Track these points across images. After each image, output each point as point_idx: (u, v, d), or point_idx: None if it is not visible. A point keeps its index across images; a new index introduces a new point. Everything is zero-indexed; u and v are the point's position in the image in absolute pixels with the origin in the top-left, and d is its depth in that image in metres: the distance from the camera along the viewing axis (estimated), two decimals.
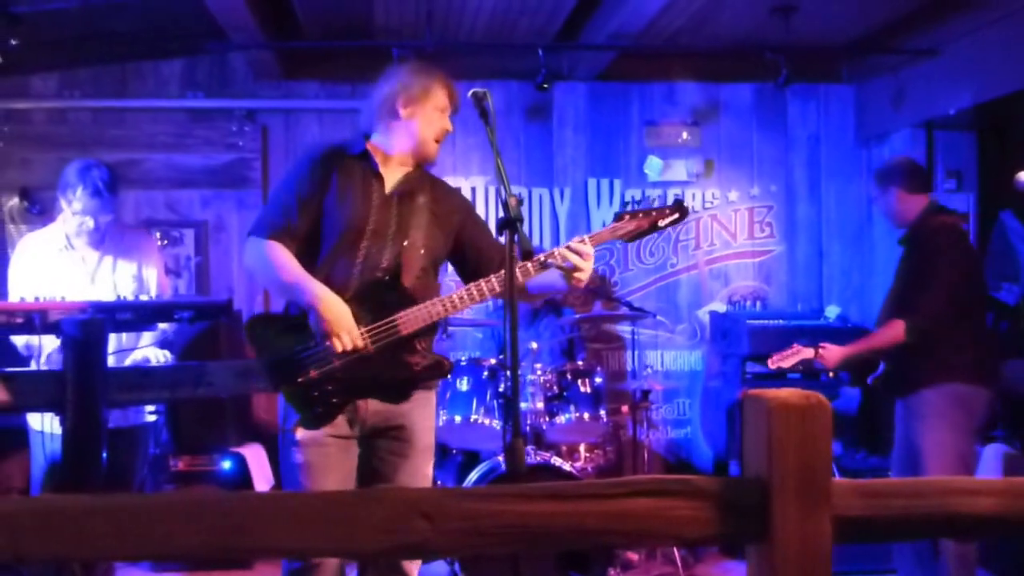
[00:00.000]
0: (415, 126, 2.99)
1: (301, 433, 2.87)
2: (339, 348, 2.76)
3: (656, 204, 3.10)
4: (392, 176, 3.00)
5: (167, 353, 3.81)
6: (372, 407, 2.91)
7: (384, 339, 2.82)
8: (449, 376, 3.17)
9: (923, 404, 3.93)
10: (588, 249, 2.78)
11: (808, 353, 4.03)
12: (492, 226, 3.24)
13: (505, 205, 2.46)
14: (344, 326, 2.76)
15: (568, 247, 2.79)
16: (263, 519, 1.53)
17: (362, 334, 2.80)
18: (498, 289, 2.83)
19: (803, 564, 1.53)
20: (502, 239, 2.50)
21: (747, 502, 1.56)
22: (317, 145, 3.14)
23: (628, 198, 6.25)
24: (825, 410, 1.54)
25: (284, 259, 2.87)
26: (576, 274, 2.79)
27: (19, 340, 3.64)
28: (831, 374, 4.45)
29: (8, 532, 1.49)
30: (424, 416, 3.01)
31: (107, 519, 1.52)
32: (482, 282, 2.85)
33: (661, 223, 2.93)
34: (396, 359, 2.87)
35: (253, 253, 2.93)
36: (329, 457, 2.89)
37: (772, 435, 1.53)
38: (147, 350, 3.70)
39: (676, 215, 2.95)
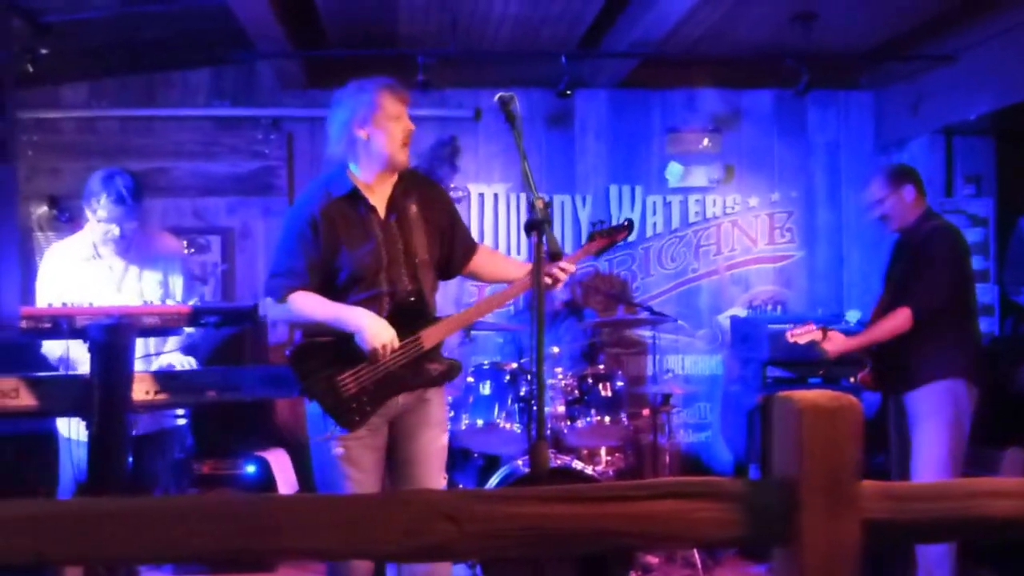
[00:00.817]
0: (378, 142, 3.12)
1: (337, 437, 3.12)
2: (386, 356, 3.04)
3: (613, 224, 3.55)
4: (380, 199, 3.19)
5: (191, 359, 3.81)
6: (400, 400, 3.19)
7: (413, 354, 3.12)
8: (457, 376, 3.37)
9: (916, 402, 3.97)
10: (572, 268, 3.23)
11: (817, 336, 4.07)
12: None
13: (532, 206, 2.56)
14: (389, 336, 3.04)
15: (559, 267, 3.14)
16: (286, 521, 1.54)
17: (396, 351, 3.09)
18: (510, 296, 3.34)
19: (830, 567, 1.53)
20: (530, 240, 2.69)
21: (773, 504, 1.55)
22: (304, 201, 3.21)
23: (649, 204, 6.29)
24: (855, 412, 1.54)
25: (314, 303, 3.12)
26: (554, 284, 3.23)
27: (53, 354, 3.66)
28: (852, 379, 4.46)
29: (32, 535, 1.50)
30: (436, 397, 3.30)
31: (130, 521, 1.53)
32: (493, 298, 3.28)
33: (618, 239, 3.49)
34: (418, 368, 3.17)
35: (279, 312, 3.20)
36: (364, 444, 3.14)
37: (802, 436, 1.52)
38: (172, 355, 3.71)
39: (626, 232, 3.53)
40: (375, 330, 3.02)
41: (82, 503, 1.69)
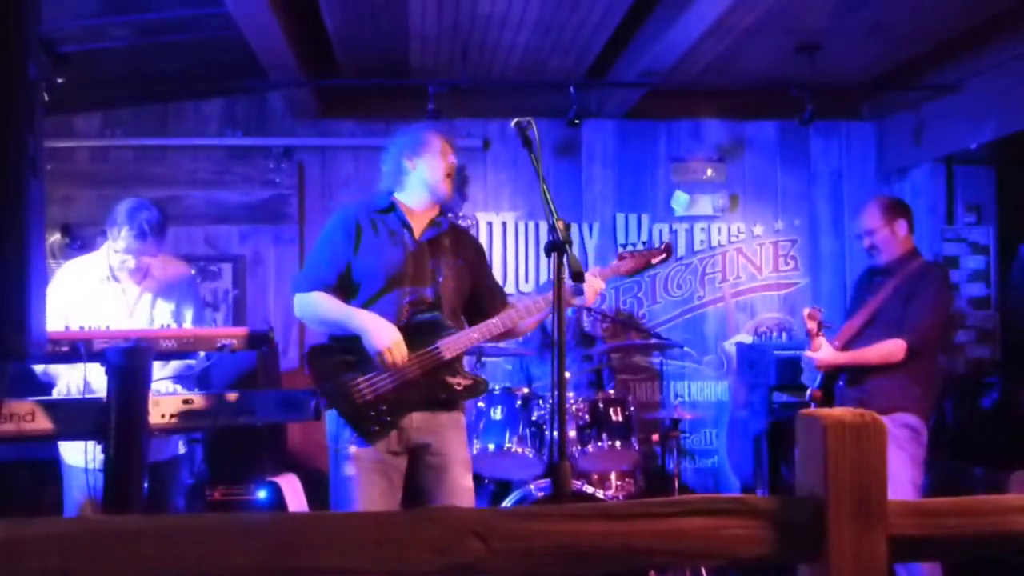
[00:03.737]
0: (424, 172, 3.38)
1: (354, 449, 3.21)
2: (389, 360, 3.12)
3: (647, 246, 3.50)
4: (419, 224, 3.39)
5: (179, 388, 3.67)
6: (415, 422, 3.26)
7: (430, 363, 3.21)
8: (484, 393, 3.48)
9: None
10: (600, 284, 3.28)
11: (813, 328, 4.08)
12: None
13: (553, 228, 2.61)
14: (393, 340, 3.14)
15: (588, 282, 3.19)
16: (314, 539, 1.52)
17: (411, 359, 3.18)
18: (534, 310, 3.33)
19: None
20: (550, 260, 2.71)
21: (801, 521, 1.54)
22: (346, 207, 3.52)
23: (656, 232, 6.36)
24: (880, 429, 1.54)
25: (331, 302, 3.29)
26: (578, 299, 3.27)
27: (39, 367, 3.59)
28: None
29: (59, 553, 1.47)
30: (456, 433, 3.37)
31: (157, 540, 1.51)
32: (512, 311, 3.32)
33: (653, 261, 3.47)
34: (439, 381, 3.26)
35: (301, 305, 3.36)
36: (377, 472, 3.23)
37: (828, 453, 1.52)
38: (160, 384, 3.55)
39: (664, 255, 3.50)
40: (380, 332, 3.15)
41: (111, 521, 1.63)
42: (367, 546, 1.52)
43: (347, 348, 3.23)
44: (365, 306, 3.28)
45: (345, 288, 3.33)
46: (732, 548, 1.56)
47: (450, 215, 3.54)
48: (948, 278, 4.19)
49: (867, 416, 1.56)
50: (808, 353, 4.14)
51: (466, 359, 3.53)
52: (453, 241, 3.45)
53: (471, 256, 3.51)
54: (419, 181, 3.39)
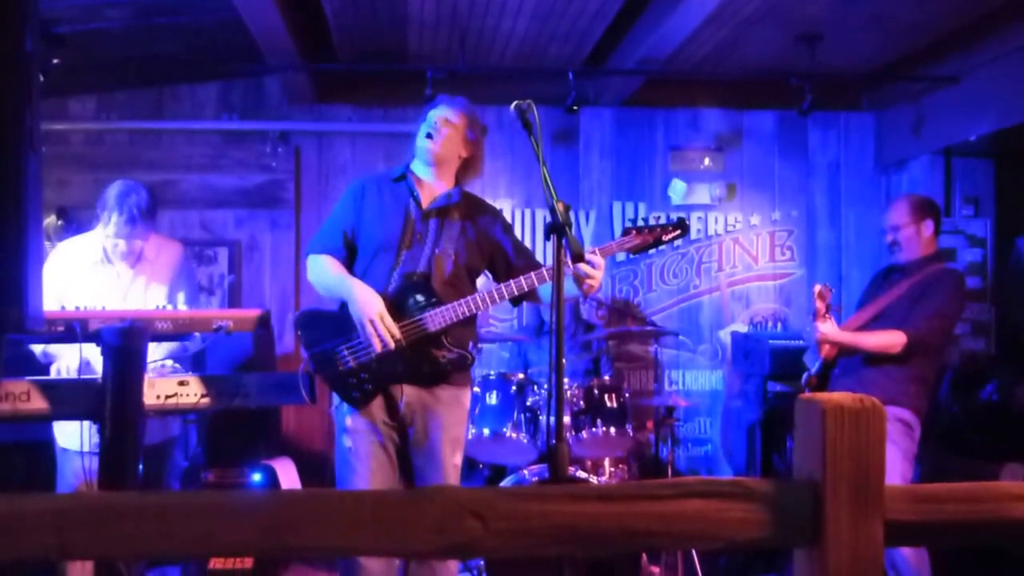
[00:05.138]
0: (415, 139, 3.43)
1: (350, 420, 3.26)
2: (371, 332, 3.12)
3: (662, 222, 3.35)
4: (429, 195, 3.39)
5: (177, 366, 3.70)
6: (408, 393, 3.27)
7: (414, 334, 3.19)
8: (472, 365, 3.38)
9: None
10: (599, 260, 3.05)
11: (821, 307, 4.05)
12: (520, 240, 3.56)
13: (552, 210, 2.59)
14: (376, 311, 3.15)
15: (588, 260, 3.00)
16: (312, 517, 1.52)
17: (396, 329, 3.17)
18: (515, 292, 3.21)
19: (855, 568, 1.52)
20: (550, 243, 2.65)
21: (799, 505, 1.54)
22: (363, 176, 3.56)
23: (652, 221, 6.35)
24: (879, 413, 1.54)
25: (331, 265, 3.34)
26: (588, 281, 3.02)
27: (37, 347, 3.60)
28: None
29: (56, 529, 1.48)
30: (451, 410, 3.33)
31: (156, 517, 1.51)
32: (503, 285, 3.22)
33: (664, 238, 3.27)
34: (424, 353, 3.24)
35: (311, 268, 3.42)
36: (373, 444, 3.26)
37: (826, 437, 1.51)
38: (158, 363, 3.58)
39: (678, 232, 3.28)
40: (363, 300, 3.17)
41: (107, 497, 1.65)
42: (364, 525, 1.52)
43: (334, 315, 3.29)
44: (362, 272, 3.32)
45: (350, 252, 3.39)
46: (729, 531, 1.55)
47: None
48: (964, 285, 4.13)
49: (866, 401, 1.54)
50: (815, 324, 4.09)
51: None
52: (464, 212, 3.41)
53: (485, 225, 3.45)
54: (415, 148, 3.45)
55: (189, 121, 6.08)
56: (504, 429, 4.54)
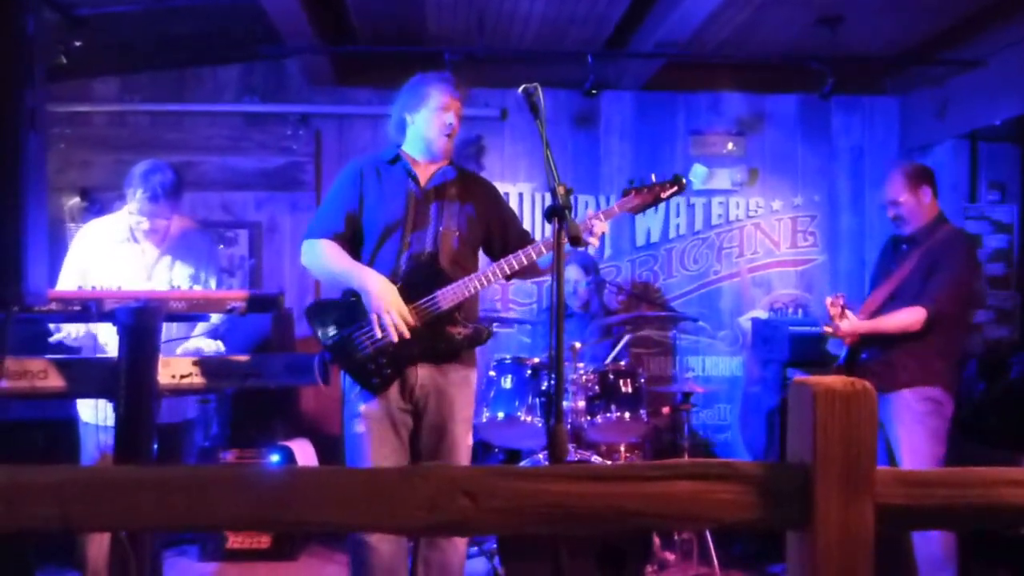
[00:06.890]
0: (421, 127, 3.40)
1: (363, 407, 3.28)
2: (389, 323, 3.14)
3: (656, 180, 3.31)
4: (425, 174, 3.42)
5: (220, 344, 3.83)
6: (422, 375, 3.29)
7: (428, 314, 3.22)
8: (488, 339, 3.40)
9: (902, 407, 3.95)
10: (602, 226, 3.15)
11: (836, 312, 3.98)
12: (529, 222, 3.48)
13: (553, 193, 2.60)
14: (393, 303, 3.17)
15: (584, 223, 3.11)
16: (308, 493, 1.55)
17: (410, 311, 3.20)
18: (525, 262, 3.22)
19: (844, 551, 1.52)
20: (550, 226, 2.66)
21: (789, 487, 1.54)
22: (355, 159, 3.58)
23: (672, 206, 6.32)
24: (870, 397, 1.53)
25: (336, 253, 3.33)
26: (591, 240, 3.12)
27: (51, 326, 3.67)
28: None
29: (59, 502, 1.52)
30: (461, 391, 3.37)
31: (156, 490, 1.54)
32: (511, 257, 3.23)
33: (663, 195, 3.28)
34: (439, 331, 3.27)
35: (308, 252, 3.40)
36: (386, 429, 3.29)
37: (816, 421, 1.52)
38: (199, 340, 3.73)
39: (675, 188, 3.29)
40: (380, 294, 3.17)
41: (109, 471, 1.68)
42: (357, 501, 1.55)
43: (343, 303, 3.31)
44: (370, 256, 3.34)
45: (355, 238, 3.39)
46: (720, 512, 1.56)
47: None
48: (974, 247, 4.11)
49: (857, 384, 1.54)
50: (827, 329, 4.05)
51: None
52: (462, 189, 3.44)
53: (483, 201, 3.49)
54: (417, 135, 3.43)
55: (211, 103, 6.11)
56: (519, 413, 4.55)
